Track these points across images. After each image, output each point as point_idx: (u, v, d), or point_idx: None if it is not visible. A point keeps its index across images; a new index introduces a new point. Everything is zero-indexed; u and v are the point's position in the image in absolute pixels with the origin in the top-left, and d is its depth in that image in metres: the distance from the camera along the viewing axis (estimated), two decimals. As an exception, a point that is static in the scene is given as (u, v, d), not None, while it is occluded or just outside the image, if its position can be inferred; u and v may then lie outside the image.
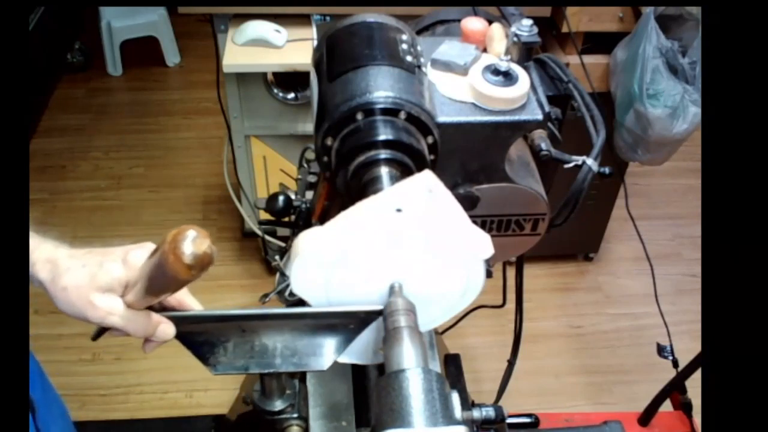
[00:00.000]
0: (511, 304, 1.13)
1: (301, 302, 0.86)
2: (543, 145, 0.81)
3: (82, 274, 0.60)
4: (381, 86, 0.74)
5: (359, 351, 0.70)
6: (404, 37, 0.82)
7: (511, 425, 0.96)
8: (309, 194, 1.05)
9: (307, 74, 0.87)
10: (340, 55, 0.80)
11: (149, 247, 0.62)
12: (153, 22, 3.00)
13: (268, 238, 2.07)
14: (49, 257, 0.62)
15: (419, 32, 0.99)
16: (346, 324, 0.66)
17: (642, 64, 1.64)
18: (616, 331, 2.20)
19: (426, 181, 0.66)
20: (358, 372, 0.83)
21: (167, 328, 0.64)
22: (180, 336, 0.65)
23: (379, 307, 0.65)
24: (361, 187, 0.73)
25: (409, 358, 0.59)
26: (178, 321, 0.64)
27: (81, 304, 0.60)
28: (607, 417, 1.08)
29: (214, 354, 0.67)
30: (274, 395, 0.75)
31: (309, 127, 0.83)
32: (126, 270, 0.61)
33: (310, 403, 0.79)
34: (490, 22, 0.88)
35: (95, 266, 0.61)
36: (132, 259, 0.61)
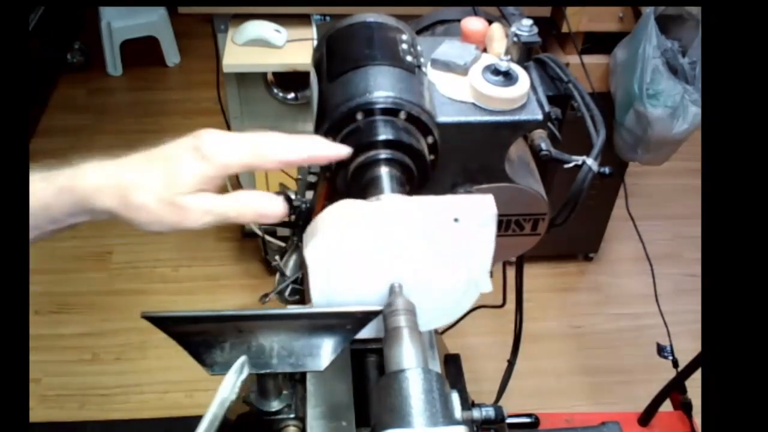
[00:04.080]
0: (511, 304, 1.13)
1: (301, 302, 0.86)
2: (543, 145, 0.81)
3: (155, 185, 0.56)
4: (381, 86, 0.74)
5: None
6: (404, 37, 0.82)
7: (511, 425, 0.96)
8: (309, 194, 1.05)
9: (307, 74, 0.87)
10: (340, 55, 0.80)
11: (215, 135, 0.58)
12: (153, 22, 3.00)
13: (268, 238, 2.07)
14: (106, 182, 0.57)
15: (419, 32, 0.98)
16: (344, 324, 0.66)
17: (642, 64, 1.64)
18: (616, 331, 2.20)
19: (487, 204, 0.65)
20: (358, 372, 0.83)
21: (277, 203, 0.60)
22: (177, 336, 0.65)
23: (377, 308, 0.65)
24: (361, 188, 0.73)
25: (409, 358, 0.59)
26: (174, 321, 0.64)
27: (170, 215, 0.56)
28: (607, 417, 1.08)
29: (211, 354, 0.67)
30: (271, 396, 0.75)
31: (309, 127, 0.83)
32: (206, 165, 0.57)
33: (310, 403, 0.78)
34: (490, 22, 0.88)
35: (165, 174, 0.56)
36: (209, 152, 0.57)
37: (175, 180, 0.56)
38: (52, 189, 0.58)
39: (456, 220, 0.63)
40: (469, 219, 0.63)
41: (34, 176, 0.59)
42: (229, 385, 0.64)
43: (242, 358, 0.66)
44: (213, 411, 0.62)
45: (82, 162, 0.59)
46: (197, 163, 0.57)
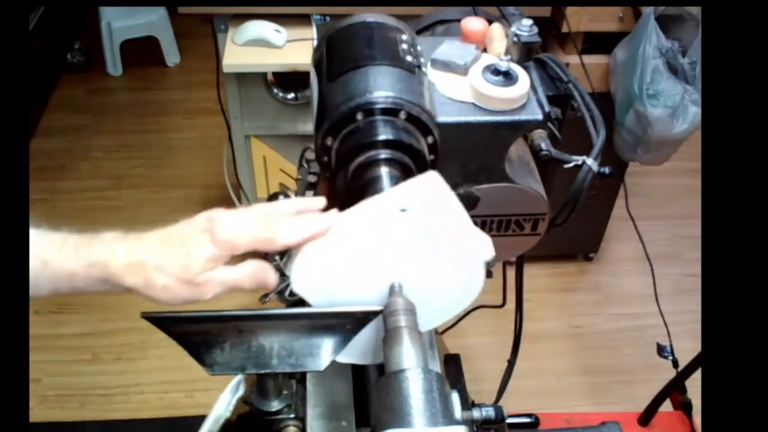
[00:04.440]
0: (511, 304, 1.13)
1: (301, 302, 0.86)
2: (543, 145, 0.81)
3: (173, 268, 0.62)
4: (381, 86, 0.74)
5: (359, 351, 0.70)
6: (404, 37, 0.82)
7: (511, 425, 0.96)
8: (309, 194, 1.05)
9: (307, 74, 0.87)
10: (340, 55, 0.80)
11: (226, 220, 0.63)
12: (153, 22, 3.00)
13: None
14: (132, 263, 0.62)
15: (419, 32, 0.99)
16: (344, 324, 0.66)
17: (642, 64, 1.64)
18: (616, 331, 2.20)
19: (431, 181, 0.65)
20: (358, 372, 0.83)
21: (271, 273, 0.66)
22: (177, 336, 0.65)
23: (377, 308, 0.65)
24: (361, 188, 0.73)
25: (409, 358, 0.59)
26: (174, 321, 0.64)
27: (186, 292, 0.62)
28: (607, 417, 1.08)
29: (211, 354, 0.67)
30: (271, 395, 0.75)
31: (309, 127, 0.83)
32: (218, 249, 0.62)
33: (310, 403, 0.78)
34: (490, 22, 0.88)
35: (182, 257, 0.62)
36: (221, 237, 0.62)
37: (191, 263, 0.62)
38: (82, 262, 0.62)
39: (403, 210, 0.63)
40: (416, 205, 0.63)
41: (66, 244, 0.63)
42: (224, 403, 0.65)
43: (239, 377, 0.67)
44: (207, 428, 0.62)
45: (104, 232, 0.64)
46: (210, 247, 0.63)
